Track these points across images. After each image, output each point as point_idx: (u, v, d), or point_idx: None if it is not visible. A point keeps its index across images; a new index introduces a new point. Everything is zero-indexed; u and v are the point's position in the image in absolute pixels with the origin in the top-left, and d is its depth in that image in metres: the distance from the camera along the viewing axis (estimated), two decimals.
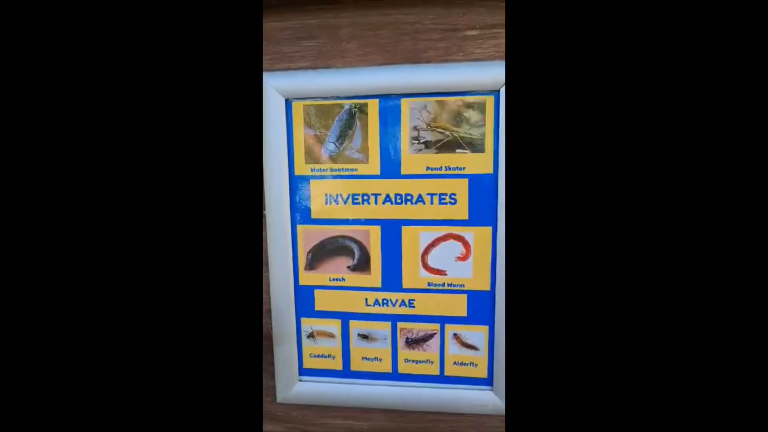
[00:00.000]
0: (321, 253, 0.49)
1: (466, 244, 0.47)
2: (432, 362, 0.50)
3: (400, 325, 0.50)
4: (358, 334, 0.50)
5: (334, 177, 0.48)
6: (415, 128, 0.46)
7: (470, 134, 0.45)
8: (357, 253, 0.49)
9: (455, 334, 0.49)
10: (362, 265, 0.49)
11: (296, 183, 0.48)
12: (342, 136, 0.47)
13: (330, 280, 0.50)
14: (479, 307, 0.48)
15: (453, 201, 0.46)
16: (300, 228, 0.49)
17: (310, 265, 0.50)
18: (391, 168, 0.47)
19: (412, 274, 0.48)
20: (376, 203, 0.47)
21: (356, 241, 0.48)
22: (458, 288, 0.48)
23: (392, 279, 0.49)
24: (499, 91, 0.44)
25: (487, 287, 0.47)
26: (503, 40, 0.45)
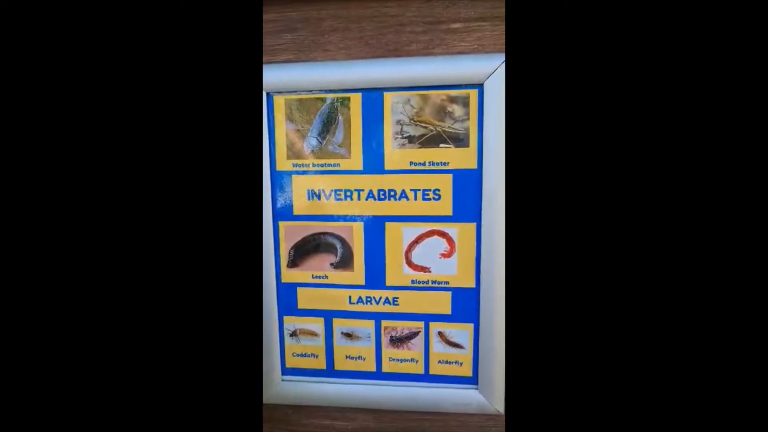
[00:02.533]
0: (303, 250, 0.48)
1: (450, 240, 0.46)
2: (416, 361, 0.49)
3: (384, 323, 0.49)
4: (342, 333, 0.50)
5: (317, 172, 0.47)
6: (399, 122, 0.45)
7: (454, 129, 0.45)
8: (340, 250, 0.48)
9: (440, 333, 0.48)
10: (345, 262, 0.48)
11: (278, 179, 0.47)
12: (324, 131, 0.46)
13: (313, 277, 0.49)
14: (464, 305, 0.47)
15: (437, 197, 0.46)
16: (282, 224, 0.48)
17: (293, 263, 0.49)
18: (374, 163, 0.46)
19: (396, 271, 0.47)
20: (359, 199, 0.47)
21: (339, 238, 0.48)
22: (442, 285, 0.47)
23: (376, 276, 0.48)
24: (483, 84, 0.43)
25: (472, 284, 0.47)
26: (487, 33, 0.44)
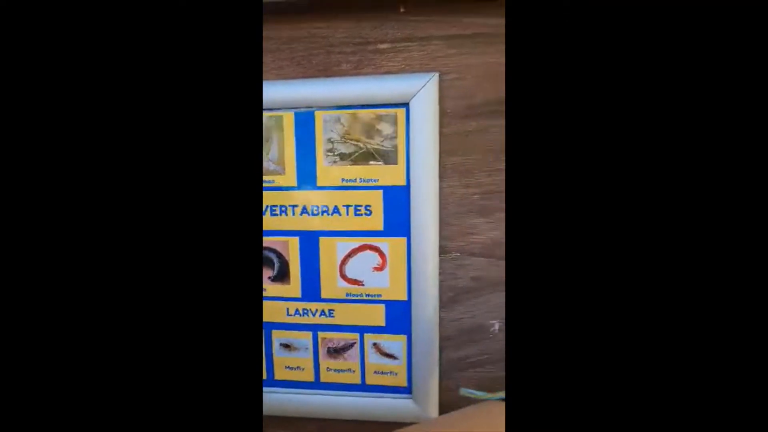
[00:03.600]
0: None
1: (381, 254, 0.47)
2: (353, 371, 0.50)
3: (320, 334, 0.50)
4: (280, 344, 0.51)
5: None
6: (330, 140, 0.46)
7: (383, 146, 0.46)
8: (276, 264, 0.49)
9: (374, 344, 0.49)
10: (282, 275, 0.49)
11: None
12: None
13: None
14: (397, 317, 0.48)
15: (368, 212, 0.47)
16: None
17: None
18: (307, 179, 0.47)
19: (331, 284, 0.49)
20: (293, 214, 0.48)
21: (276, 252, 0.49)
22: (375, 298, 0.48)
23: (312, 289, 0.49)
24: (409, 103, 0.44)
25: (404, 297, 0.48)
26: (414, 53, 0.45)
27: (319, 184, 0.47)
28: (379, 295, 0.48)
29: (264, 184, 0.48)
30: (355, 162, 0.46)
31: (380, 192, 0.47)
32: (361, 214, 0.47)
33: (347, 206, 0.47)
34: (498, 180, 0.46)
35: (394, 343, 0.49)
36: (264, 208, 0.48)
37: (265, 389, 0.52)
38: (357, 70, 0.46)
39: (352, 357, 0.50)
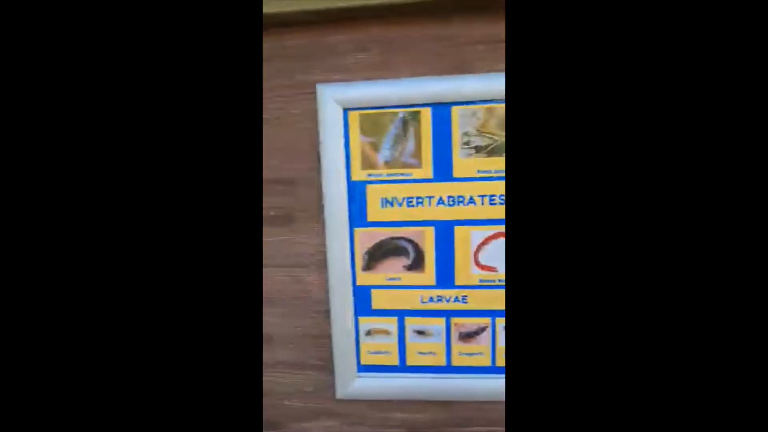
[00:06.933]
0: (378, 254, 0.52)
1: None
2: (484, 354, 0.53)
3: (453, 320, 0.52)
4: (414, 331, 0.53)
5: (390, 182, 0.51)
6: (466, 134, 0.49)
7: None
8: (412, 253, 0.51)
9: (506, 327, 0.52)
10: (417, 264, 0.52)
11: (353, 188, 0.51)
12: (397, 143, 0.50)
13: (386, 279, 0.52)
14: None
15: (502, 201, 0.49)
16: (357, 231, 0.52)
17: (367, 266, 0.52)
18: (443, 172, 0.50)
19: (465, 271, 0.51)
20: (429, 205, 0.50)
21: (411, 242, 0.51)
22: None
23: (446, 277, 0.52)
24: None
25: None
26: None
27: (455, 175, 0.50)
28: None
29: (401, 177, 0.50)
30: (490, 154, 0.49)
31: None
32: (496, 204, 0.50)
33: (482, 196, 0.50)
34: None
35: None
36: (401, 200, 0.51)
37: (398, 375, 0.54)
38: (492, 66, 0.49)
39: (484, 340, 0.52)
